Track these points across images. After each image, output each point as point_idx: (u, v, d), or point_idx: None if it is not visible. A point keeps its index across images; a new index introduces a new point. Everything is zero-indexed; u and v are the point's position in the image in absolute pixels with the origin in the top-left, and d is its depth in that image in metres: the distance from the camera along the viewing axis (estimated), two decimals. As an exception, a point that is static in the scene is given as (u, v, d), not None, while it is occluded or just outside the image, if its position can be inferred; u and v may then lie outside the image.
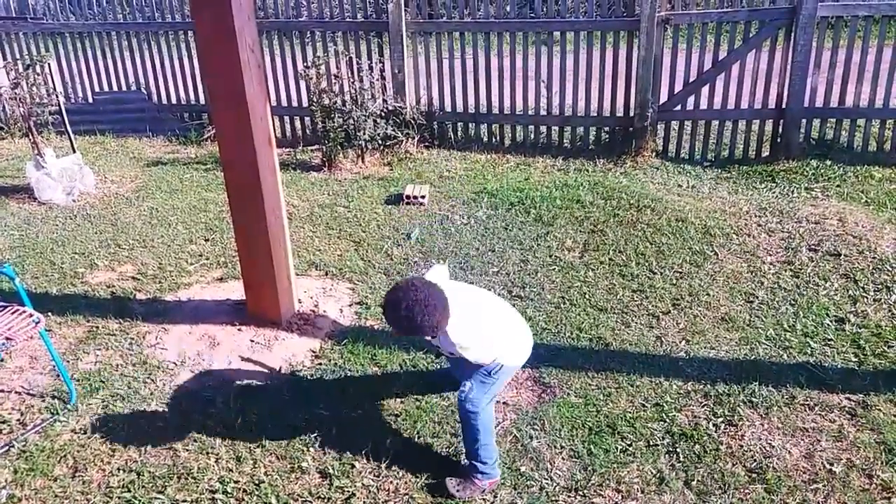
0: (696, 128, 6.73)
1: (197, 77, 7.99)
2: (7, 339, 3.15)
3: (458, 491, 2.82)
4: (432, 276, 2.87)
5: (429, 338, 2.73)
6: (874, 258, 4.54)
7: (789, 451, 3.01)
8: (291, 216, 5.47)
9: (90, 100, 8.50)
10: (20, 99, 6.30)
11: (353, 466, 2.99)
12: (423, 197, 5.77)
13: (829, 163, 6.22)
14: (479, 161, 6.90)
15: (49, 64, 6.76)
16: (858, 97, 6.30)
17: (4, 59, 8.13)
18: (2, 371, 3.72)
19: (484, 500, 2.81)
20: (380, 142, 6.86)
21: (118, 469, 3.02)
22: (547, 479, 2.91)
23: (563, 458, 3.02)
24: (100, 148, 7.78)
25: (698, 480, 2.87)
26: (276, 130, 7.11)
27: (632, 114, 6.70)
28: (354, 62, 6.87)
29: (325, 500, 2.83)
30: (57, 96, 6.59)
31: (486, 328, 2.80)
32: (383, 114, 6.87)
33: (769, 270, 4.50)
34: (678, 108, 6.69)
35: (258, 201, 3.74)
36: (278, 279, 3.95)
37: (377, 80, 7.00)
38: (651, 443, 3.08)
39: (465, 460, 2.90)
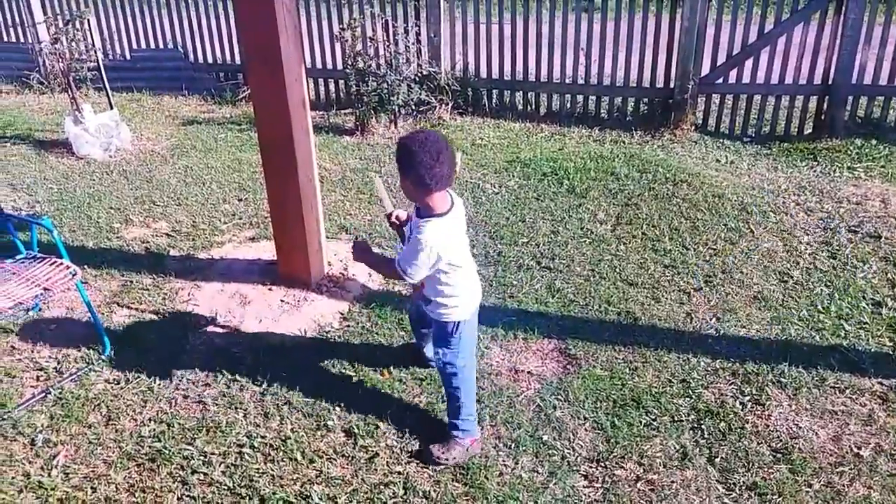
0: (738, 102, 6.57)
1: (233, 36, 8.00)
2: (45, 289, 3.23)
3: (442, 454, 2.83)
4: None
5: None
6: (916, 242, 4.42)
7: (816, 433, 2.98)
8: (323, 179, 5.48)
9: (128, 57, 8.57)
10: (60, 54, 6.38)
11: (377, 427, 3.02)
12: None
13: (874, 142, 6.04)
14: (513, 129, 6.83)
15: (88, 20, 6.82)
16: (910, 75, 6.09)
17: (45, 14, 8.21)
18: (40, 321, 3.82)
19: (505, 465, 2.83)
20: (413, 107, 6.82)
21: (149, 419, 3.10)
22: (569, 449, 2.91)
23: (585, 430, 3.02)
24: (136, 105, 7.86)
25: (722, 458, 2.86)
26: (309, 93, 7.11)
27: (672, 85, 6.56)
28: (390, 25, 6.80)
29: (349, 459, 2.88)
30: (95, 52, 6.65)
31: (454, 262, 2.64)
32: (418, 78, 6.81)
33: (805, 250, 4.41)
34: (720, 80, 6.52)
35: (291, 163, 3.74)
36: (309, 241, 3.98)
37: (413, 44, 6.93)
38: (676, 418, 3.07)
39: (448, 419, 2.91)
